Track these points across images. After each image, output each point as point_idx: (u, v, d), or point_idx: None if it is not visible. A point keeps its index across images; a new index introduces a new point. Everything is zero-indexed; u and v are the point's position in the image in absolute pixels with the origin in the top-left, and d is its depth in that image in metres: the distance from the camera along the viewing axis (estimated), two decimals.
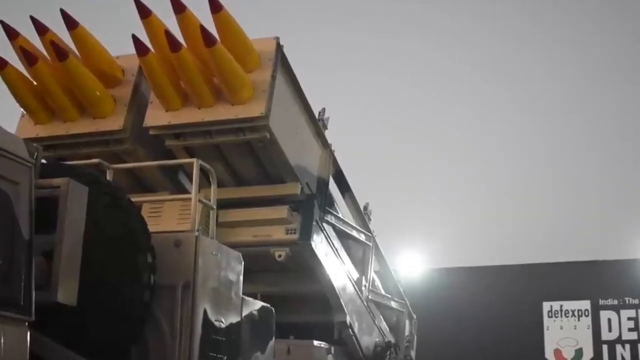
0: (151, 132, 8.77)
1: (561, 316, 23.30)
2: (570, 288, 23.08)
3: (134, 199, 6.83)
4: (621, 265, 23.06)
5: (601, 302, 23.08)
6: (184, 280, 6.61)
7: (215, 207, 7.52)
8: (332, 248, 9.79)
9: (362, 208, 11.32)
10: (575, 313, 23.20)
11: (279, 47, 8.81)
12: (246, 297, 7.55)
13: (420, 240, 24.21)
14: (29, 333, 5.02)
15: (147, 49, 8.37)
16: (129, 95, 8.99)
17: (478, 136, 27.22)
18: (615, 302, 23.03)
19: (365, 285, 10.80)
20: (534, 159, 26.84)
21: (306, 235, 9.11)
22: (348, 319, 10.02)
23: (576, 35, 26.69)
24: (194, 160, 7.37)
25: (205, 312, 6.75)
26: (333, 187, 10.51)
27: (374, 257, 11.33)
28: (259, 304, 7.85)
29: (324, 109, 10.04)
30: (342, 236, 10.40)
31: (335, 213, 10.22)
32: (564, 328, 23.22)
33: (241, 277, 7.41)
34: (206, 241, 6.97)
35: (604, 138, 26.56)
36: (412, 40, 26.86)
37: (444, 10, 27.22)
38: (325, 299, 9.85)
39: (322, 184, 9.84)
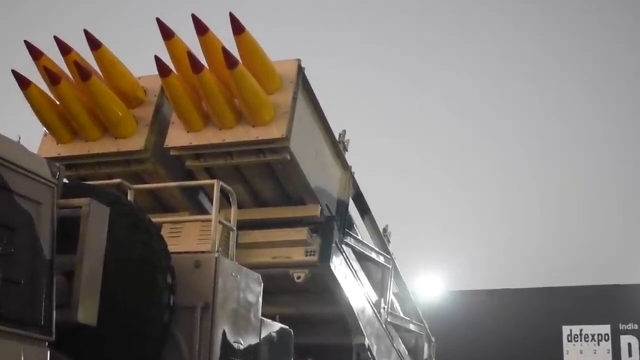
0: (172, 153, 8.81)
1: (581, 340, 23.12)
2: (591, 312, 22.94)
3: (155, 219, 6.84)
4: None
5: (622, 326, 22.90)
6: (203, 301, 6.62)
7: (235, 228, 7.52)
8: (351, 270, 9.76)
9: (381, 230, 11.29)
10: (596, 337, 23.02)
11: (301, 69, 8.84)
12: (265, 319, 7.54)
13: (439, 262, 24.17)
14: (49, 353, 5.02)
15: (170, 70, 8.42)
16: (151, 116, 9.04)
17: (499, 160, 27.19)
18: (636, 326, 22.85)
19: (384, 308, 10.75)
20: (555, 182, 26.75)
21: (326, 257, 9.08)
22: (367, 341, 9.97)
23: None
24: (215, 182, 7.39)
25: (224, 334, 6.74)
26: (353, 209, 10.49)
27: (393, 279, 11.29)
28: (277, 325, 7.84)
29: (344, 131, 10.02)
30: (362, 258, 10.36)
31: (354, 235, 10.20)
32: (584, 352, 23.04)
33: (260, 299, 7.40)
34: (226, 262, 6.97)
35: (627, 162, 26.46)
36: (435, 63, 26.93)
37: (475, 38, 27.27)
38: (344, 321, 9.80)
39: (342, 206, 9.82)
